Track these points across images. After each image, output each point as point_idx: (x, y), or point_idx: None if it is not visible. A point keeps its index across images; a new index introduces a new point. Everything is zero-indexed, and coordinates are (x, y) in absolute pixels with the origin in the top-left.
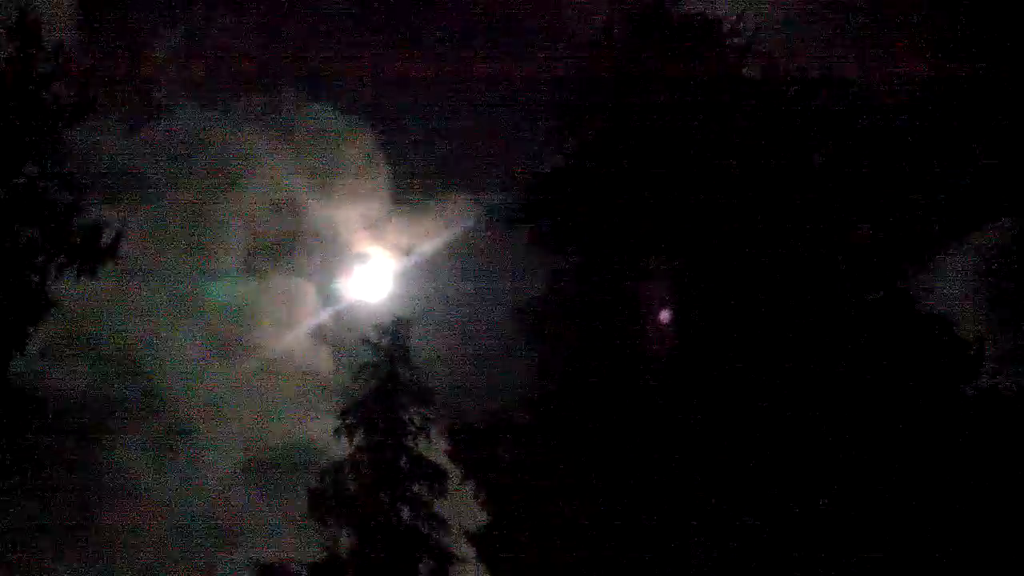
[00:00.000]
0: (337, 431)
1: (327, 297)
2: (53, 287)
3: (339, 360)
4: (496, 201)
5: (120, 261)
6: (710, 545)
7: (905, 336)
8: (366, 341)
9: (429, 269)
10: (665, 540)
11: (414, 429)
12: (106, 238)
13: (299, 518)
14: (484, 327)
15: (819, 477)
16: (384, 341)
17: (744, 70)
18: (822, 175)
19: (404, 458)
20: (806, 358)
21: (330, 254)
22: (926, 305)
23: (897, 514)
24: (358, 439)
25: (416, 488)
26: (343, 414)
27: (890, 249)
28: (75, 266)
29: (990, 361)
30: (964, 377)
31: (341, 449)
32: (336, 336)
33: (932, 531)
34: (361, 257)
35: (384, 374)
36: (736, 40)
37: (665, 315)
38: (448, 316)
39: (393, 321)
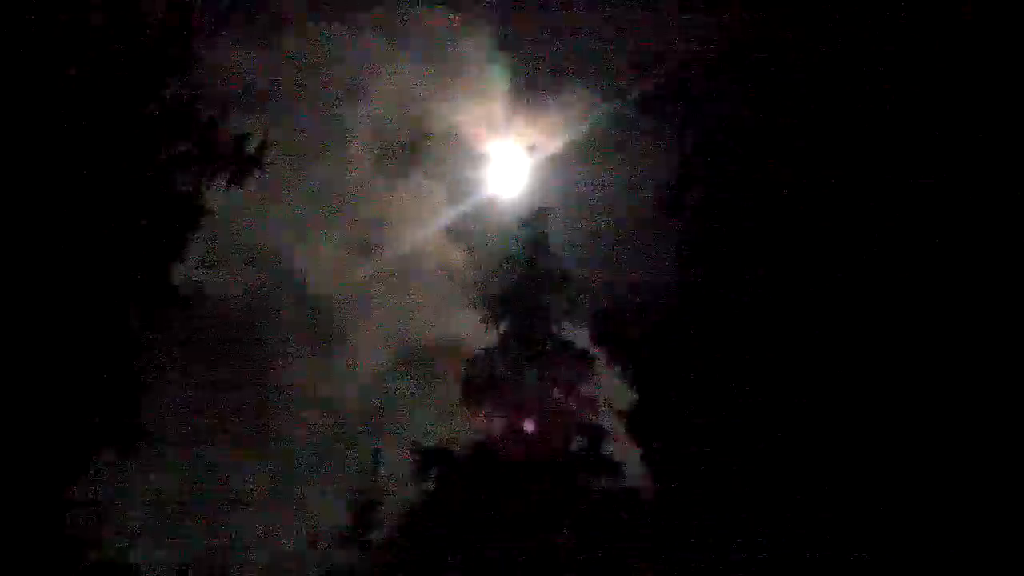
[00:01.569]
0: (484, 319)
1: (458, 196)
2: (205, 197)
3: (474, 256)
4: (623, 91)
5: (266, 170)
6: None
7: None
8: (507, 232)
9: (561, 162)
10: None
11: (559, 315)
12: (250, 148)
13: (453, 405)
14: (623, 213)
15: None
16: (525, 232)
17: None
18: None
19: (551, 343)
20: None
21: (458, 153)
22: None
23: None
24: (505, 327)
25: (564, 370)
26: (490, 303)
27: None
28: (225, 176)
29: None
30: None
31: (484, 339)
32: (469, 233)
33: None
34: (488, 154)
35: (527, 264)
36: None
37: None
38: (586, 205)
39: (533, 212)
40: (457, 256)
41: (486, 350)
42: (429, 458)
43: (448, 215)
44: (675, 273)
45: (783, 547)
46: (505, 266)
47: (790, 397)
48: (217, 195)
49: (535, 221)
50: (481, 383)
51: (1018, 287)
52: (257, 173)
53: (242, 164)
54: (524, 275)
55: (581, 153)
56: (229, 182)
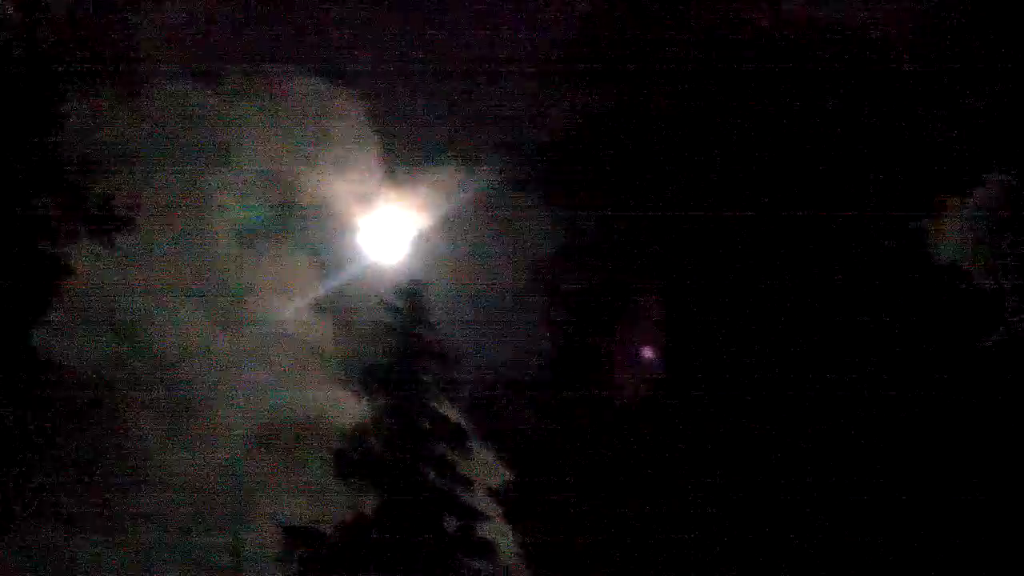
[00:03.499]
0: (359, 393)
1: (325, 269)
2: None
3: (341, 330)
4: (497, 167)
5: (136, 231)
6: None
7: (921, 285)
8: (385, 304)
9: (436, 236)
10: (687, 487)
11: (435, 390)
12: (119, 209)
13: (320, 482)
14: (497, 288)
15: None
16: (402, 304)
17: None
18: (835, 121)
19: (427, 419)
20: (820, 305)
21: (326, 226)
22: (940, 253)
23: (914, 462)
24: (380, 401)
25: (439, 448)
26: (364, 377)
27: (904, 197)
28: (91, 236)
29: (1007, 309)
30: (984, 326)
31: (354, 415)
32: (338, 307)
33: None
34: (358, 228)
35: (404, 336)
36: None
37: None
38: (460, 279)
39: (410, 283)
40: (324, 331)
41: (361, 425)
42: (295, 538)
43: (315, 288)
44: (551, 350)
45: None
46: (380, 338)
47: (665, 477)
48: (80, 257)
49: (413, 292)
50: (354, 459)
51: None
52: (125, 234)
53: (111, 222)
54: (400, 348)
55: (456, 228)
56: (93, 240)
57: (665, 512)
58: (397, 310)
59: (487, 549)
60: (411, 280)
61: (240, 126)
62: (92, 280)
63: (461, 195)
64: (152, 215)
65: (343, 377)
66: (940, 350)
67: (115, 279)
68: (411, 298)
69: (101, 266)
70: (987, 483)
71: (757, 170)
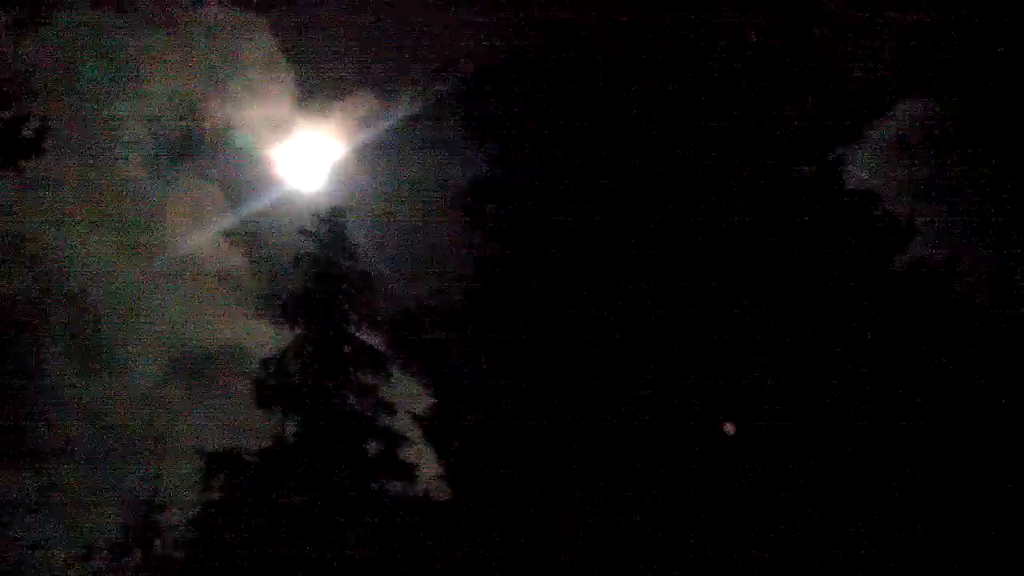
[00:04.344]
0: (277, 321)
1: (238, 198)
2: None
3: (256, 260)
4: (419, 95)
5: (45, 156)
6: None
7: (835, 210)
8: (303, 231)
9: (357, 163)
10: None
11: (356, 317)
12: (27, 132)
13: (239, 410)
14: (423, 215)
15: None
16: (322, 230)
17: None
18: (753, 52)
19: (347, 346)
20: (736, 233)
21: (238, 154)
22: (854, 179)
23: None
24: (300, 328)
25: (360, 374)
26: (283, 305)
27: (818, 124)
28: None
29: (919, 234)
30: (894, 250)
31: (273, 344)
32: (253, 237)
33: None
34: (272, 156)
35: (323, 263)
36: None
37: None
38: (385, 206)
39: (330, 210)
40: (237, 261)
41: (281, 352)
42: (216, 463)
43: (227, 218)
44: (474, 277)
45: (580, 547)
46: (299, 266)
47: (587, 401)
48: None
49: (332, 219)
50: (274, 386)
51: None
52: (33, 159)
53: (19, 147)
54: (320, 276)
55: (378, 155)
56: (4, 165)
57: (584, 438)
58: (316, 237)
59: (408, 472)
60: (330, 207)
61: (149, 53)
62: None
63: (379, 125)
64: (59, 142)
65: (260, 306)
66: (852, 273)
67: (22, 207)
68: (330, 225)
69: (7, 195)
70: (894, 409)
71: (676, 106)
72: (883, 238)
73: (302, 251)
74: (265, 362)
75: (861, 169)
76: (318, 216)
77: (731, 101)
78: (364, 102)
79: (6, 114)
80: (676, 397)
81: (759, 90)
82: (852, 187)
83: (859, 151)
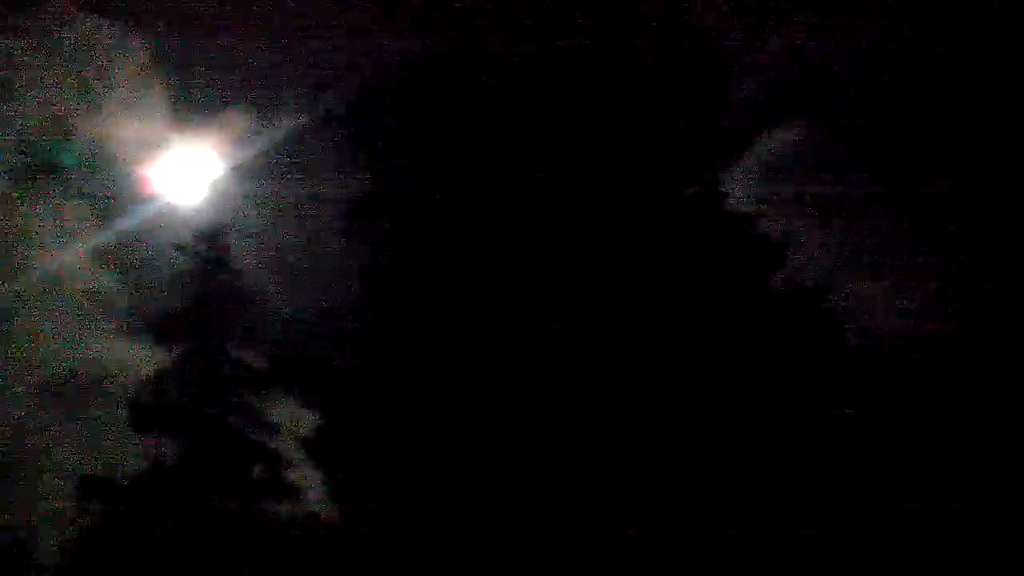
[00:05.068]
0: (155, 340)
1: (109, 216)
2: None
3: (128, 278)
4: (300, 108)
5: None
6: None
7: (715, 232)
8: (179, 247)
9: (238, 180)
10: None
11: (236, 335)
12: None
13: (115, 434)
14: (307, 231)
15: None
16: (199, 247)
17: None
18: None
19: (227, 365)
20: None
21: (109, 170)
22: (735, 201)
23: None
24: (177, 348)
25: (243, 396)
26: (161, 322)
27: (702, 148)
28: None
29: (797, 256)
30: (772, 269)
31: (149, 365)
32: (124, 255)
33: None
34: (146, 173)
35: (204, 280)
36: None
37: None
38: (268, 222)
39: (207, 226)
40: (109, 280)
41: (159, 373)
42: (90, 487)
43: (98, 235)
44: (357, 292)
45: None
46: (176, 284)
47: (475, 413)
48: None
49: (210, 235)
50: (152, 408)
51: None
52: None
53: None
54: (198, 293)
55: (256, 171)
56: None
57: (474, 453)
58: (194, 253)
59: (295, 494)
60: (208, 223)
61: (20, 68)
62: None
63: (257, 141)
64: None
65: (134, 326)
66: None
67: None
68: (208, 241)
69: None
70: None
71: (556, 123)
72: (761, 255)
73: (179, 268)
74: (142, 383)
75: (741, 187)
76: (195, 232)
77: (612, 116)
78: (241, 118)
79: None
80: (555, 401)
81: (645, 106)
82: (731, 206)
83: (739, 170)
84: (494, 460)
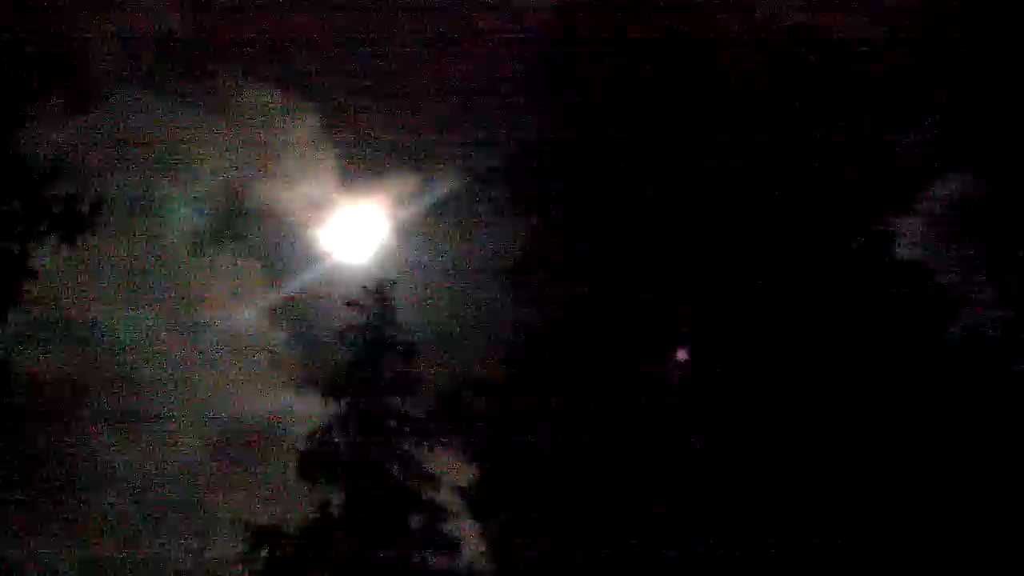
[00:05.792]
0: (323, 393)
1: (280, 276)
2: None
3: (297, 334)
4: (459, 171)
5: (100, 231)
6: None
7: (886, 281)
8: (350, 303)
9: (401, 237)
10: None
11: (401, 388)
12: (82, 208)
13: (283, 485)
14: (465, 289)
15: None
16: (369, 302)
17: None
18: (802, 122)
19: (392, 417)
20: (788, 305)
21: (280, 232)
22: (904, 251)
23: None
24: (345, 400)
25: (405, 446)
26: (329, 376)
27: (868, 195)
28: (55, 235)
29: (972, 306)
30: (945, 321)
31: (316, 417)
32: (293, 313)
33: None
34: (315, 235)
35: (370, 334)
36: None
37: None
38: (430, 278)
39: (378, 282)
40: (279, 336)
41: (326, 424)
42: (259, 537)
43: (268, 295)
44: (518, 349)
45: None
46: (345, 338)
47: (630, 474)
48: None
49: (378, 291)
50: (319, 459)
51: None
52: (88, 234)
53: (75, 221)
54: (365, 347)
55: (421, 230)
56: (60, 239)
57: (632, 512)
58: (363, 309)
59: (453, 546)
60: (377, 279)
61: (195, 134)
62: (50, 283)
63: (421, 200)
64: (107, 220)
65: (302, 381)
66: (905, 347)
67: (69, 285)
68: (377, 296)
69: (59, 269)
70: (946, 477)
71: (728, 173)
72: (934, 309)
73: (348, 323)
74: (309, 435)
75: (910, 241)
76: (364, 288)
77: (774, 170)
78: (406, 179)
79: (63, 191)
80: (720, 466)
81: (805, 158)
82: (901, 259)
83: (908, 223)
84: (642, 519)
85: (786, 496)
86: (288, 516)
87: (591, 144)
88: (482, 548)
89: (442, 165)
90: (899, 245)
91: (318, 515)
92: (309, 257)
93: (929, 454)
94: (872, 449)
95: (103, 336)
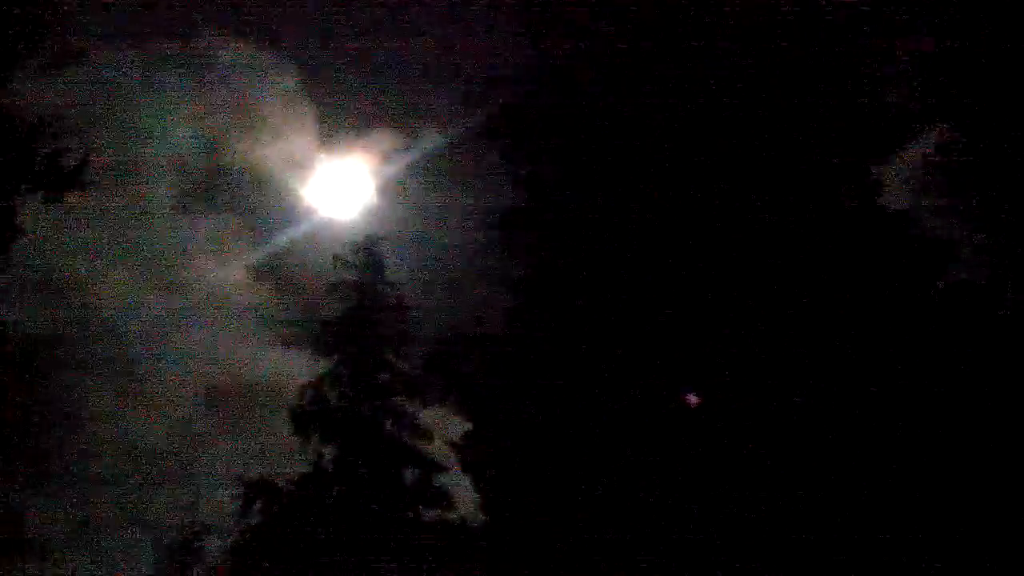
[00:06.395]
0: (314, 348)
1: (265, 232)
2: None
3: (285, 291)
4: (445, 124)
5: (87, 188)
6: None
7: (873, 231)
8: (338, 258)
9: (389, 192)
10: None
11: (392, 343)
12: (67, 164)
13: (276, 439)
14: (458, 241)
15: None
16: (358, 258)
17: None
18: (787, 74)
19: (384, 372)
20: (775, 253)
21: (263, 189)
22: (890, 200)
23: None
24: (336, 356)
25: (397, 400)
26: (320, 331)
27: (856, 145)
28: (40, 192)
29: (961, 255)
30: (935, 272)
31: (308, 372)
32: (279, 269)
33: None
34: (297, 190)
35: (360, 290)
36: None
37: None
38: (420, 233)
39: (364, 238)
40: (266, 293)
41: (318, 379)
42: (254, 491)
43: (255, 251)
44: (510, 302)
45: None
46: (335, 294)
47: (623, 433)
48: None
49: (366, 247)
50: (311, 413)
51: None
52: (75, 191)
53: (61, 179)
54: (355, 303)
55: (407, 185)
56: (46, 198)
57: (620, 466)
58: (351, 264)
59: (445, 499)
60: (365, 235)
61: (174, 91)
62: (36, 240)
63: (406, 156)
64: (90, 178)
65: (291, 337)
66: (894, 295)
67: (54, 241)
68: (365, 252)
69: (45, 227)
70: (935, 434)
71: (712, 129)
72: (923, 260)
73: (337, 279)
74: (302, 389)
75: (898, 191)
76: (353, 244)
77: (761, 122)
78: (389, 135)
79: (46, 148)
80: (719, 422)
81: (792, 111)
82: (891, 208)
83: (895, 173)
84: (637, 470)
85: (780, 444)
86: (283, 469)
87: (579, 96)
88: (475, 500)
89: (425, 122)
90: (887, 195)
91: (311, 469)
92: (294, 214)
93: (925, 408)
94: (868, 407)
95: (89, 293)
